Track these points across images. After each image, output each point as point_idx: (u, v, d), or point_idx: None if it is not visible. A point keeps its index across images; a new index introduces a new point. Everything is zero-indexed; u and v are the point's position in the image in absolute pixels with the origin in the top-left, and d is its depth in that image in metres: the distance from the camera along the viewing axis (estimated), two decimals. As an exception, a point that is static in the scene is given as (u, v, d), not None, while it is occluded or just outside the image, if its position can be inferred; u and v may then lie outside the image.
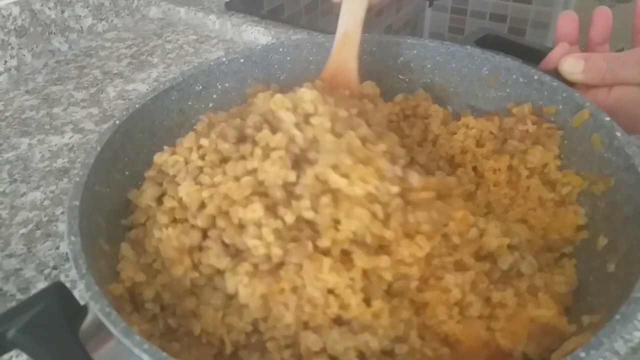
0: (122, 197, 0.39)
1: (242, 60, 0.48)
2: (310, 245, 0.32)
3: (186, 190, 0.35)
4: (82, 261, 0.30)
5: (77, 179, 0.35)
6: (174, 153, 0.39)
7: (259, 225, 0.33)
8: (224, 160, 0.37)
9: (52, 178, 0.56)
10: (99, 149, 0.37)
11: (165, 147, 0.40)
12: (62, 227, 0.51)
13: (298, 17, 1.24)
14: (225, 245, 0.34)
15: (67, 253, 0.47)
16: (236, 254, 0.34)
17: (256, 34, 0.83)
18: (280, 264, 0.33)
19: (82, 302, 0.31)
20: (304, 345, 0.31)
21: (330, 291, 0.32)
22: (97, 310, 0.28)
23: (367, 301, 0.32)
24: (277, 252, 0.32)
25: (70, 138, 0.63)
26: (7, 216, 0.52)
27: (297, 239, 0.33)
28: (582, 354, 0.26)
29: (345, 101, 0.40)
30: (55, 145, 0.62)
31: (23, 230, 0.50)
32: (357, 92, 0.44)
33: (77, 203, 0.33)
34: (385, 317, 0.31)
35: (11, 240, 0.49)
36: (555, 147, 0.42)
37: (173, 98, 0.45)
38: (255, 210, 0.33)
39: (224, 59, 0.47)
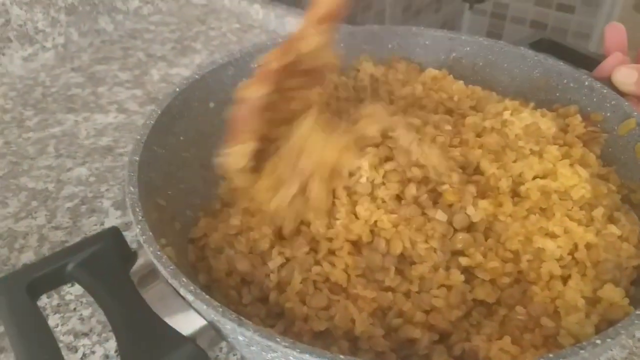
0: (176, 160, 0.41)
1: None
2: None
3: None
4: (139, 209, 0.32)
5: (138, 137, 0.37)
6: None
7: None
8: None
9: (97, 155, 0.57)
10: (159, 112, 0.39)
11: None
12: (107, 203, 0.51)
13: (337, 12, 1.23)
14: None
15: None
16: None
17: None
18: None
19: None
20: None
21: None
22: (149, 252, 0.30)
23: None
24: None
25: (115, 118, 0.63)
26: (54, 189, 0.53)
27: None
28: (598, 341, 0.26)
29: None
30: (100, 123, 0.62)
31: (69, 204, 0.51)
32: None
33: (137, 158, 0.35)
34: None
35: (57, 213, 0.50)
36: (598, 149, 0.42)
37: (230, 73, 0.46)
38: None
39: (280, 40, 0.48)
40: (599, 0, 1.48)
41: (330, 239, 0.36)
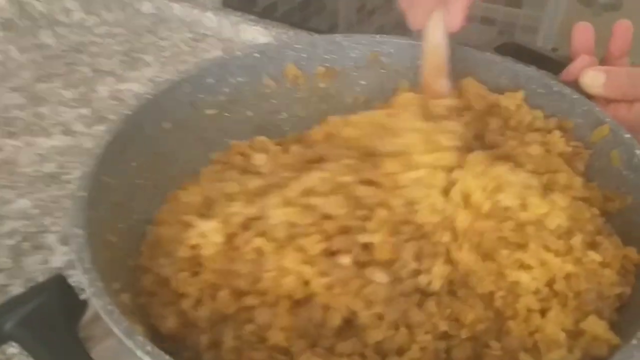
0: (129, 188, 0.38)
1: (257, 55, 0.47)
2: None
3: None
4: (86, 255, 0.29)
5: (86, 169, 0.34)
6: None
7: None
8: None
9: (41, 184, 0.53)
10: (108, 138, 0.36)
11: None
12: (52, 238, 0.47)
13: (291, 14, 1.22)
14: None
15: (58, 267, 0.44)
16: None
17: (255, 34, 0.79)
18: None
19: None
20: None
21: None
22: (99, 308, 0.27)
23: None
24: None
25: (60, 141, 0.59)
26: (-8, 226, 0.48)
27: None
28: None
29: None
30: (43, 148, 0.58)
31: (9, 242, 0.47)
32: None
33: (85, 194, 0.32)
34: None
35: (-4, 252, 0.46)
36: (582, 165, 0.41)
37: (187, 90, 0.44)
38: None
39: (239, 53, 0.46)
40: (545, -7, 1.51)
41: (262, 293, 0.31)
